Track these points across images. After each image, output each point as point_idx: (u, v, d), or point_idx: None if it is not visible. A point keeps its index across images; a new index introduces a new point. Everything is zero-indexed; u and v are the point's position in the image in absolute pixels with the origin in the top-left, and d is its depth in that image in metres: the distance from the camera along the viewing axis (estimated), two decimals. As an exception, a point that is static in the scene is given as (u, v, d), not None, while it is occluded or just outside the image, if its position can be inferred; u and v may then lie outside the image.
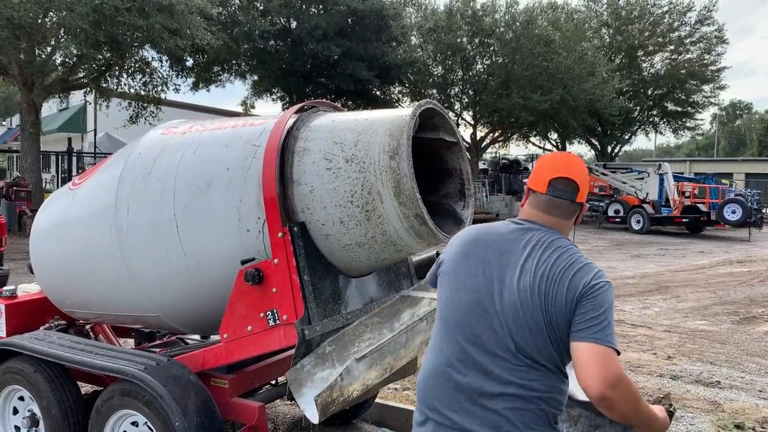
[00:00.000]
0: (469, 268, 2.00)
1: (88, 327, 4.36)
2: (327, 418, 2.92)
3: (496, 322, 1.91)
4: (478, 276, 1.97)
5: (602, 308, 1.84)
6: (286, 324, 2.94)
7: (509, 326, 1.89)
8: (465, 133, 30.63)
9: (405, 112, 2.94)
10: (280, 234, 2.93)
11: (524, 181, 33.73)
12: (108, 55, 18.59)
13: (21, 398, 3.70)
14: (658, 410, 2.01)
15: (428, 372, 2.02)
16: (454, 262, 2.06)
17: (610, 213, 25.79)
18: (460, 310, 1.98)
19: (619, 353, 1.83)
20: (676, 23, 34.67)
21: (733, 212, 22.57)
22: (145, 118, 21.17)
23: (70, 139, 26.24)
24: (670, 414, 2.17)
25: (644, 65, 36.06)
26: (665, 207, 24.38)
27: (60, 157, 25.85)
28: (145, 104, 21.37)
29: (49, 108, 30.74)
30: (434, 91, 29.41)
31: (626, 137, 38.96)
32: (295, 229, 2.95)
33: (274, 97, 28.41)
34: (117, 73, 20.26)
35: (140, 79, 20.74)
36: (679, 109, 37.88)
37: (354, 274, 3.26)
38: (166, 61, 20.77)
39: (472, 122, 30.70)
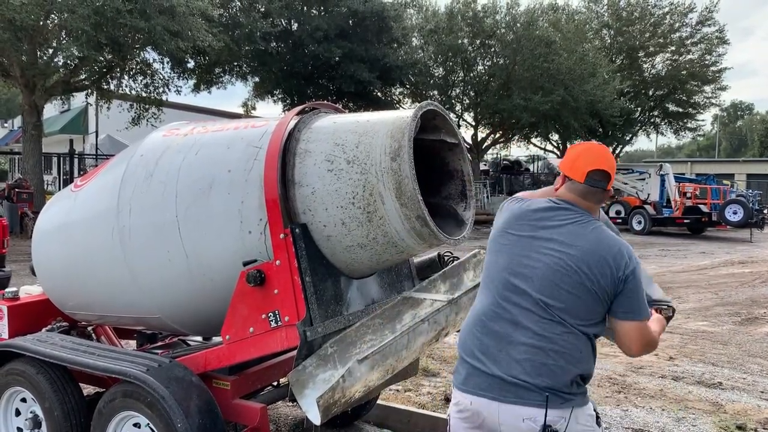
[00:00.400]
0: (510, 237, 2.34)
1: (90, 329, 4.36)
2: (329, 420, 2.93)
3: (531, 282, 2.23)
4: (517, 243, 2.31)
5: (639, 291, 2.23)
6: (287, 325, 2.94)
7: (544, 285, 2.21)
8: (466, 134, 30.64)
9: (406, 113, 2.95)
10: (281, 235, 2.94)
11: (526, 181, 33.79)
12: (109, 56, 18.61)
13: (23, 400, 3.71)
14: (658, 321, 2.47)
15: (468, 322, 2.38)
16: (499, 230, 2.40)
17: (612, 214, 25.74)
18: (499, 270, 2.32)
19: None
20: (677, 24, 34.65)
21: (735, 213, 22.55)
22: (147, 120, 21.19)
23: (71, 141, 26.25)
24: (669, 318, 2.64)
25: (645, 66, 36.04)
26: (666, 208, 24.37)
27: (62, 158, 25.86)
28: (147, 106, 21.39)
29: (51, 110, 30.76)
30: (435, 92, 29.41)
31: (627, 138, 38.92)
32: (297, 230, 2.95)
33: (275, 98, 28.44)
34: (118, 74, 20.28)
35: (141, 81, 20.77)
36: (680, 109, 37.85)
37: (356, 275, 3.26)
38: (168, 62, 20.79)
39: (473, 123, 30.71)
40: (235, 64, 25.97)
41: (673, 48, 34.99)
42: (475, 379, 2.25)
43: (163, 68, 21.13)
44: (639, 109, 36.57)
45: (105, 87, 20.64)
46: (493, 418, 2.20)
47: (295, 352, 2.93)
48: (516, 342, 2.20)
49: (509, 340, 2.21)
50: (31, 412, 3.64)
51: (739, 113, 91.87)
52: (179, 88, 22.71)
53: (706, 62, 35.12)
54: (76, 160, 24.78)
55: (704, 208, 24.03)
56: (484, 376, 2.22)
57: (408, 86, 29.63)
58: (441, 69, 29.47)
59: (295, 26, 25.70)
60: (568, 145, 38.06)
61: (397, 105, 29.75)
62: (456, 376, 2.34)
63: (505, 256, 2.32)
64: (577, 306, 2.19)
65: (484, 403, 2.21)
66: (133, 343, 4.60)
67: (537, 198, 2.43)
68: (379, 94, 28.05)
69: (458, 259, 3.79)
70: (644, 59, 35.73)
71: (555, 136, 36.31)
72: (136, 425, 3.22)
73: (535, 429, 2.13)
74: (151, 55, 20.06)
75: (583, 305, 2.19)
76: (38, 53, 18.07)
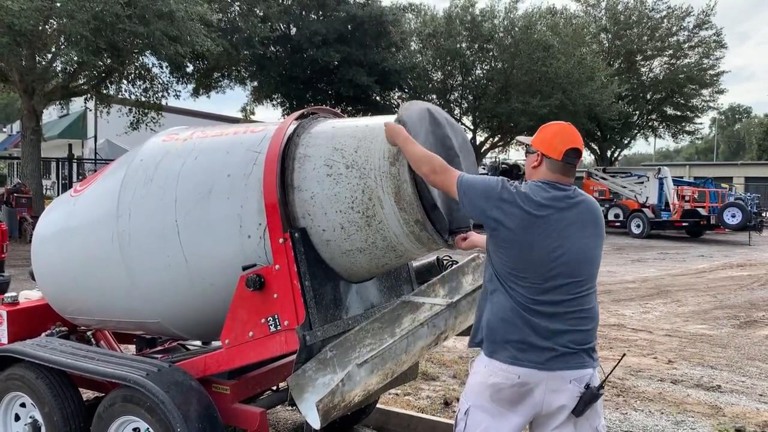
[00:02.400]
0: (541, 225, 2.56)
1: (89, 333, 4.37)
2: (328, 424, 2.93)
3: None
4: (548, 230, 2.55)
5: None
6: (287, 329, 2.95)
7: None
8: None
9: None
10: (281, 240, 2.94)
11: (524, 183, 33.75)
12: (108, 61, 18.61)
13: (23, 405, 3.70)
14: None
15: None
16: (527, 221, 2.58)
17: (610, 217, 25.74)
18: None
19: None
20: (674, 28, 34.70)
21: (733, 216, 22.55)
22: (147, 124, 21.19)
23: (70, 146, 26.26)
24: None
25: (643, 70, 36.09)
26: (665, 211, 24.35)
27: (61, 163, 25.88)
28: (146, 110, 21.39)
29: (49, 114, 30.77)
30: (434, 96, 29.45)
31: (625, 141, 38.94)
32: (296, 234, 2.96)
33: (274, 103, 28.46)
34: (117, 79, 20.28)
35: (141, 86, 20.77)
36: (678, 113, 37.88)
37: (355, 279, 3.27)
38: (167, 67, 20.81)
39: (472, 127, 30.73)
40: (234, 68, 25.99)
41: (671, 51, 35.04)
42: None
43: (162, 73, 21.16)
44: (637, 112, 36.60)
45: (104, 92, 20.64)
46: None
47: (294, 357, 2.94)
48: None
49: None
50: (30, 417, 3.64)
51: (737, 116, 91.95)
52: (178, 93, 22.67)
53: (704, 66, 35.16)
54: (75, 165, 24.79)
55: (703, 212, 24.03)
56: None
57: (407, 90, 29.66)
58: (439, 73, 29.53)
59: (293, 31, 25.75)
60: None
61: (396, 109, 29.66)
62: None
63: (538, 246, 2.47)
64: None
65: None
66: (132, 347, 4.60)
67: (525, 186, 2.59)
68: (377, 98, 28.07)
69: (457, 263, 3.80)
70: (642, 63, 35.78)
71: (553, 140, 36.28)
72: (136, 430, 3.22)
73: None
74: (150, 59, 20.08)
75: None
76: (37, 58, 18.06)
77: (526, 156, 2.69)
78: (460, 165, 3.01)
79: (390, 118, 3.10)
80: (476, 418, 2.52)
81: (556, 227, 2.46)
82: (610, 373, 2.56)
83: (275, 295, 2.96)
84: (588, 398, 2.40)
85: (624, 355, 2.67)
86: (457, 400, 4.36)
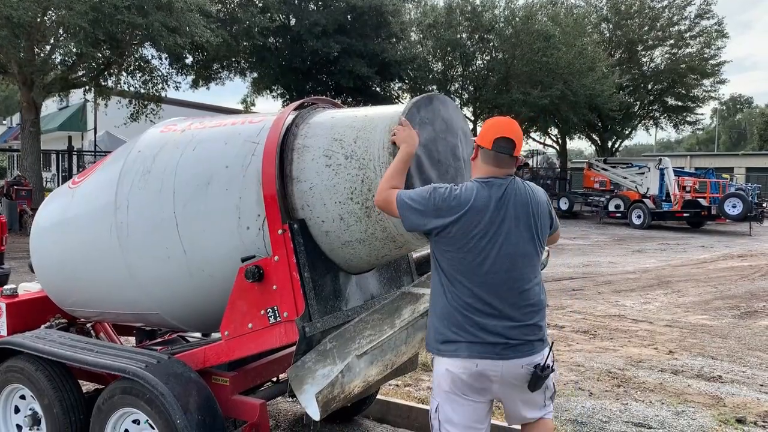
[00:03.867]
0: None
1: (89, 325, 4.36)
2: (328, 415, 2.93)
3: None
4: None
5: None
6: (286, 321, 2.94)
7: None
8: (465, 128, 30.50)
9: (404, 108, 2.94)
10: (280, 231, 2.93)
11: (525, 175, 33.75)
12: (107, 53, 18.56)
13: (22, 397, 3.70)
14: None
15: None
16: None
17: (611, 208, 25.76)
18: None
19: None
20: (675, 17, 34.53)
21: (734, 207, 22.53)
22: (146, 116, 21.14)
23: (70, 138, 26.23)
24: None
25: (644, 60, 35.93)
26: (666, 202, 24.33)
27: (60, 155, 25.84)
28: (146, 102, 21.34)
29: (48, 107, 30.70)
30: (434, 87, 29.38)
31: (626, 132, 38.84)
32: (295, 226, 2.95)
33: (275, 94, 28.39)
34: (116, 71, 20.22)
35: (140, 78, 20.71)
36: (680, 103, 37.74)
37: (354, 270, 3.26)
38: (166, 59, 20.74)
39: (472, 118, 30.67)
40: (234, 59, 25.91)
41: (672, 41, 34.87)
42: None
43: (161, 64, 21.10)
44: (638, 103, 36.50)
45: (103, 84, 20.58)
46: None
47: (294, 348, 2.93)
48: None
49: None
50: (30, 409, 3.64)
51: (738, 107, 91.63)
52: (178, 84, 22.63)
53: (705, 56, 35.01)
54: (74, 157, 24.75)
55: (703, 202, 24.00)
56: None
57: (407, 81, 29.60)
58: (440, 64, 29.45)
59: (293, 21, 25.65)
60: (567, 140, 38.02)
61: (396, 100, 29.71)
62: None
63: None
64: None
65: None
66: (132, 339, 4.60)
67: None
68: (377, 89, 28.01)
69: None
70: (643, 53, 35.62)
71: (554, 131, 36.27)
72: (136, 422, 3.22)
73: None
74: (149, 51, 20.02)
75: None
76: (36, 50, 18.02)
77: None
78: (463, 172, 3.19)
79: (390, 108, 3.08)
80: (446, 411, 2.66)
81: (491, 225, 2.55)
82: (549, 353, 2.67)
83: (274, 287, 2.95)
84: (536, 378, 2.60)
85: (552, 342, 2.79)
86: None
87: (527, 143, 39.59)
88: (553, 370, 2.64)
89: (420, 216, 2.59)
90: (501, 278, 2.56)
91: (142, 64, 20.51)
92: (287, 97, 27.12)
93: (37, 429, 3.60)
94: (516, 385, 2.64)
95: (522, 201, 2.62)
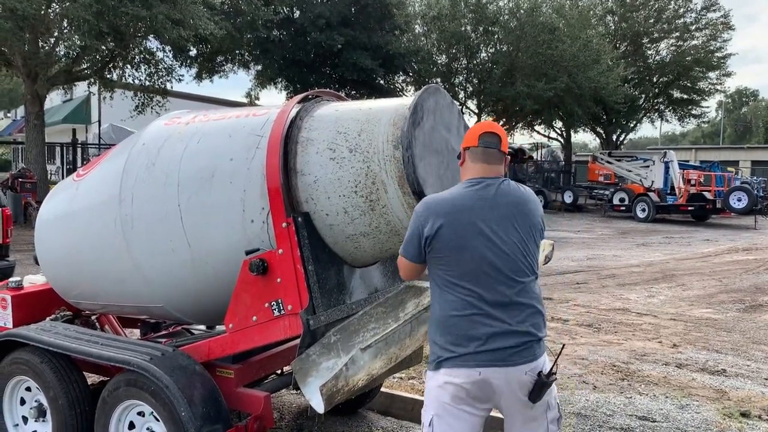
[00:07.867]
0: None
1: (93, 318, 4.38)
2: (332, 408, 2.93)
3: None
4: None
5: None
6: (290, 314, 2.94)
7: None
8: (469, 121, 30.39)
9: (408, 101, 2.93)
10: (284, 224, 2.93)
11: (530, 168, 33.71)
12: (111, 46, 18.54)
13: (28, 389, 3.72)
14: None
15: None
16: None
17: (615, 201, 25.70)
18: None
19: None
20: (681, 9, 34.31)
21: (739, 200, 22.47)
22: (152, 108, 21.13)
23: (74, 131, 26.26)
24: None
25: (649, 52, 35.73)
26: (670, 195, 24.28)
27: (65, 148, 25.86)
28: (151, 95, 21.32)
29: (53, 99, 30.74)
30: (438, 79, 29.25)
31: (631, 125, 38.70)
32: (299, 219, 2.95)
33: (279, 87, 28.34)
34: (120, 64, 20.21)
35: (145, 71, 20.69)
36: (685, 96, 37.55)
37: (358, 264, 3.26)
38: (170, 51, 20.71)
39: (477, 111, 30.57)
40: (237, 52, 25.84)
41: (678, 34, 34.64)
42: None
43: (165, 57, 21.06)
44: (643, 95, 36.33)
45: (107, 76, 20.58)
46: None
47: (298, 341, 2.93)
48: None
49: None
50: (35, 401, 3.66)
51: (744, 100, 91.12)
52: (181, 77, 22.60)
53: (711, 48, 34.79)
54: (79, 150, 24.78)
55: (708, 195, 23.95)
56: None
57: (411, 74, 29.48)
58: (444, 56, 29.30)
59: (297, 14, 25.57)
60: (572, 133, 37.83)
61: (400, 93, 29.62)
62: None
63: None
64: None
65: None
66: (137, 332, 4.61)
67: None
68: (381, 81, 27.90)
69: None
70: (648, 45, 35.42)
71: (559, 124, 36.12)
72: (140, 414, 3.23)
73: None
74: (153, 43, 19.99)
75: None
76: (40, 43, 18.00)
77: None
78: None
79: (394, 101, 3.07)
80: (442, 424, 2.54)
81: (481, 228, 2.48)
82: (557, 359, 2.59)
83: (278, 280, 2.95)
84: (540, 385, 2.49)
85: (564, 346, 2.67)
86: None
87: (531, 136, 39.55)
88: (555, 378, 2.55)
89: (419, 249, 2.55)
90: (497, 281, 2.48)
91: (146, 56, 20.48)
92: (291, 89, 27.05)
93: (43, 420, 3.62)
94: (519, 398, 2.52)
95: (512, 201, 2.56)
